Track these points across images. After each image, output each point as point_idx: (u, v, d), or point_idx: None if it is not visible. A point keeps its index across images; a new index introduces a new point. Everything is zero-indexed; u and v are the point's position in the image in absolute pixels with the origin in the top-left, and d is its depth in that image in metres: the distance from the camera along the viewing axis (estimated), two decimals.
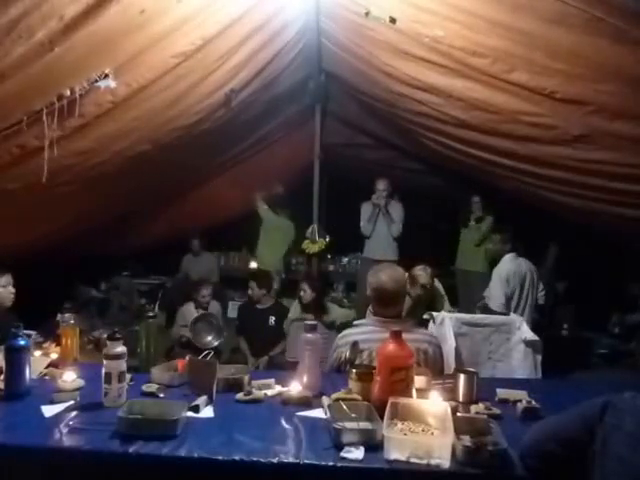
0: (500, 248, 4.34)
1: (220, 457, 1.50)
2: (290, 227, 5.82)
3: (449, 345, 2.95)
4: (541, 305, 4.41)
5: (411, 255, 5.21)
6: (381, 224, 5.32)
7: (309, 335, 2.11)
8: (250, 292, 4.60)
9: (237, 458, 1.49)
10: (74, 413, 1.79)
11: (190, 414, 1.75)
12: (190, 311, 4.54)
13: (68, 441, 1.60)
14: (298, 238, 5.57)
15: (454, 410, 1.77)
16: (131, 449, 1.53)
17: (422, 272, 3.85)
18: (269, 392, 2.03)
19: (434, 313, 3.28)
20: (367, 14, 2.54)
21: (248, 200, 5.93)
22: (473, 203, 5.43)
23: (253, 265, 6.21)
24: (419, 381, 1.92)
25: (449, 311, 3.61)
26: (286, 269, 6.09)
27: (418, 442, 1.54)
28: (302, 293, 4.41)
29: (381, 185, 5.22)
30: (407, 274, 2.44)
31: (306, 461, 1.50)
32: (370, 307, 2.52)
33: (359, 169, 6.26)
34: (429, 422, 1.66)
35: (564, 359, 4.13)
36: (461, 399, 2.00)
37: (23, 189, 2.77)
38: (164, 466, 1.53)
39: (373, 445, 1.55)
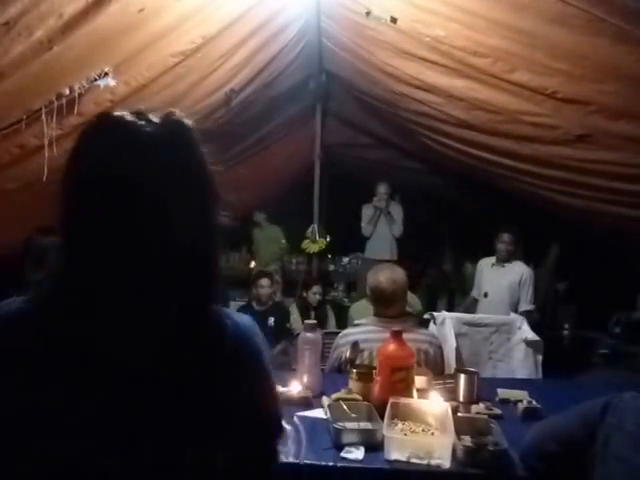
0: (512, 250, 4.11)
1: None
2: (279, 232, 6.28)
3: (450, 345, 2.94)
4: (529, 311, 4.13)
5: (411, 255, 5.28)
6: (382, 225, 5.44)
7: (309, 335, 2.10)
8: (261, 290, 4.46)
9: None
10: None
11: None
12: None
13: None
14: (297, 238, 5.61)
15: (455, 410, 1.77)
16: None
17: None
18: None
19: (435, 313, 3.28)
20: (368, 14, 2.54)
21: (248, 200, 5.95)
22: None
23: (253, 265, 6.25)
24: (419, 381, 1.92)
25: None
26: (284, 270, 6.22)
27: (418, 442, 1.54)
28: (312, 295, 4.44)
29: (382, 189, 5.36)
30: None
31: (306, 461, 1.49)
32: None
33: (360, 169, 6.27)
34: (429, 422, 1.65)
35: (565, 359, 4.13)
36: (462, 399, 1.99)
37: (23, 189, 2.76)
38: None
39: (373, 445, 1.55)
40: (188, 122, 0.81)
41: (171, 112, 0.81)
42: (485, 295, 4.20)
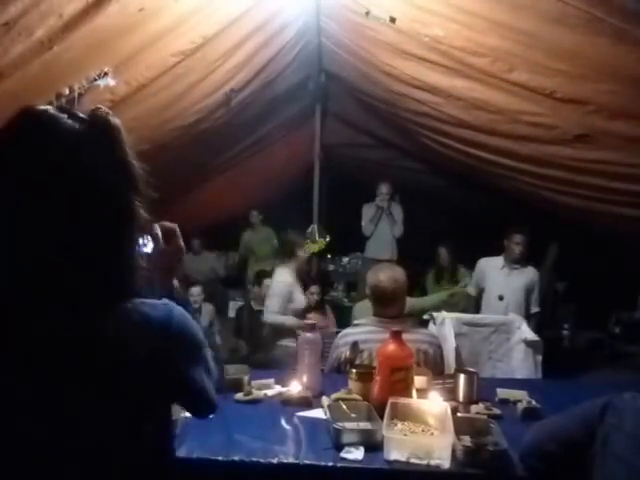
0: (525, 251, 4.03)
1: (220, 457, 1.49)
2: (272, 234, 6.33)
3: (449, 345, 2.94)
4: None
5: (411, 255, 5.28)
6: (383, 225, 5.48)
7: (309, 335, 2.10)
8: (265, 290, 4.38)
9: (237, 458, 1.48)
10: None
11: (189, 414, 1.75)
12: None
13: None
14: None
15: (454, 410, 1.77)
16: None
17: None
18: (269, 392, 2.03)
19: (434, 313, 3.28)
20: (367, 14, 2.53)
21: (248, 200, 5.95)
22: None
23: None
24: (419, 381, 1.92)
25: None
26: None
27: (418, 442, 1.54)
28: (310, 296, 4.43)
29: (384, 189, 5.40)
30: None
31: (306, 461, 1.49)
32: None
33: (359, 169, 6.28)
34: (429, 422, 1.65)
35: (565, 359, 4.13)
36: (461, 399, 1.99)
37: None
38: None
39: (373, 445, 1.55)
40: (114, 119, 0.85)
41: (97, 109, 0.84)
42: (500, 298, 4.06)
